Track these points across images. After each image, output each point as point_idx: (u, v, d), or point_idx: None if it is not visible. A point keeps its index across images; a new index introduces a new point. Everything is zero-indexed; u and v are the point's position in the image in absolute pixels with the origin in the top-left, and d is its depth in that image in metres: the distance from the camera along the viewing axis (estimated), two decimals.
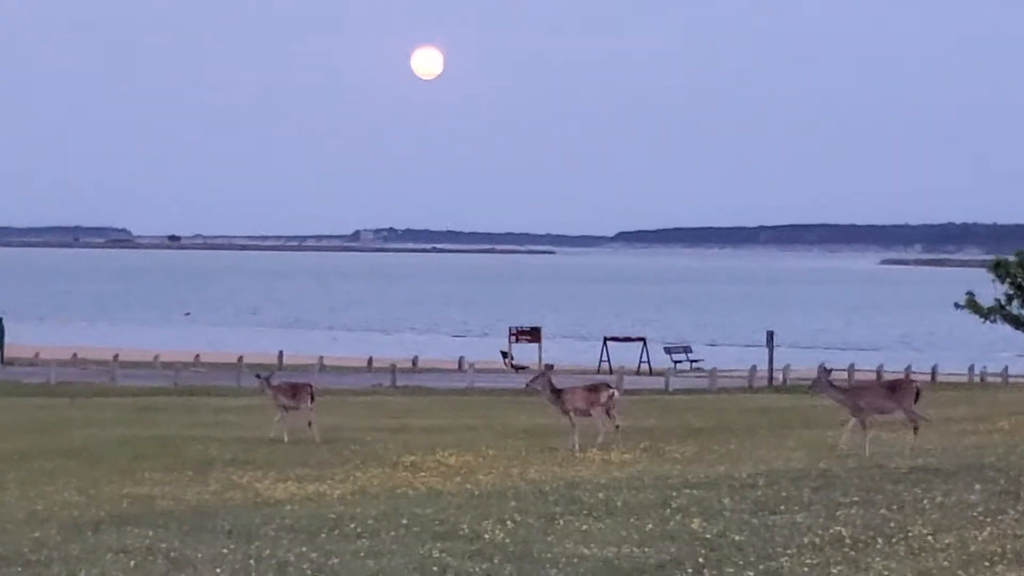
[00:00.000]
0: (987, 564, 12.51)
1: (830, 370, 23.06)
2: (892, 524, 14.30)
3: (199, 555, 13.56)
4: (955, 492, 16.05)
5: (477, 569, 12.83)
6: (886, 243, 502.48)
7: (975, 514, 14.75)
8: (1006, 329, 62.05)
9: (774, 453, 22.06)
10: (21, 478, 20.39)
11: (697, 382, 56.19)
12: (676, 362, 67.50)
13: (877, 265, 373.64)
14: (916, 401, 22.06)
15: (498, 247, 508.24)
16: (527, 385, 26.16)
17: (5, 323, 65.97)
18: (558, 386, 25.04)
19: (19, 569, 13.26)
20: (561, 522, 15.00)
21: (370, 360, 65.53)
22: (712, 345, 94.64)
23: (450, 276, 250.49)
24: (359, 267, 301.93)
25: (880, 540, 13.59)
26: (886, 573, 12.34)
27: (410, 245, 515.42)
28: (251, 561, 13.27)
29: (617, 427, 24.71)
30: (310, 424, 26.08)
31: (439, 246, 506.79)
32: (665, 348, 72.12)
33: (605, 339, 70.67)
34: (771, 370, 56.65)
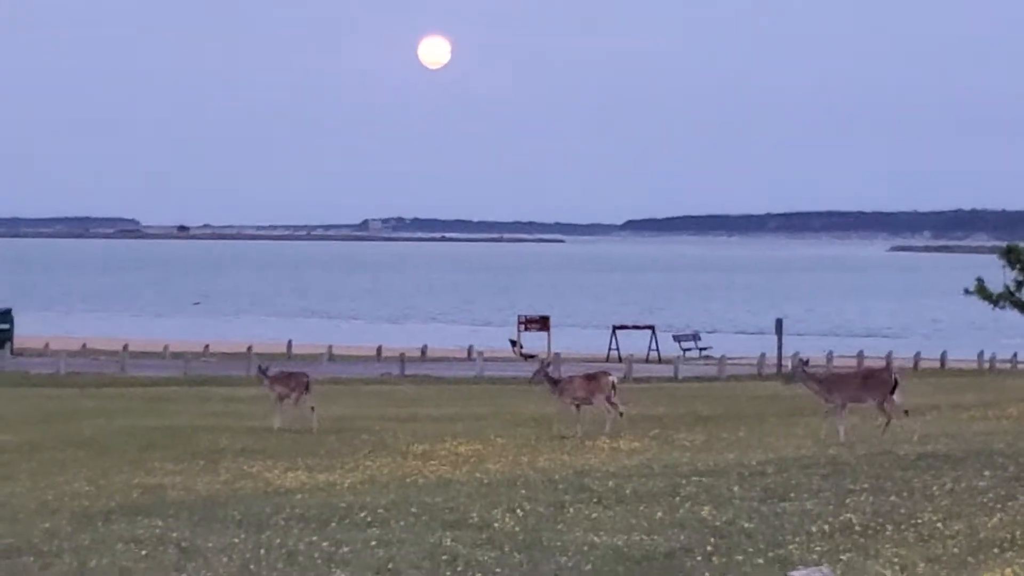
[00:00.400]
0: (996, 551, 12.51)
1: (806, 360, 22.99)
2: (902, 511, 14.30)
3: (210, 544, 13.59)
4: (964, 479, 16.04)
5: (487, 557, 12.84)
6: (895, 230, 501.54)
7: (984, 500, 14.74)
8: (1015, 315, 61.93)
9: (783, 441, 22.06)
10: (31, 468, 20.44)
11: (706, 370, 56.20)
12: (685, 350, 67.48)
13: (886, 252, 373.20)
14: (894, 391, 21.94)
15: (506, 236, 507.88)
16: (530, 380, 26.22)
17: (15, 314, 66.08)
18: (557, 376, 25.15)
19: (30, 559, 13.30)
20: (571, 510, 15.01)
21: (379, 349, 65.58)
22: (721, 332, 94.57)
23: (459, 265, 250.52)
24: (368, 256, 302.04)
25: (889, 527, 13.59)
26: (896, 560, 12.34)
27: (419, 234, 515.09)
28: (261, 550, 13.30)
29: (620, 414, 24.74)
30: (312, 409, 26.21)
31: (448, 235, 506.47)
32: (674, 336, 72.09)
33: (614, 327, 70.64)
34: (780, 357, 56.60)
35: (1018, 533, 13.12)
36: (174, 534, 14.14)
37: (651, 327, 71.23)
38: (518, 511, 14.94)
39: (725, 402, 34.10)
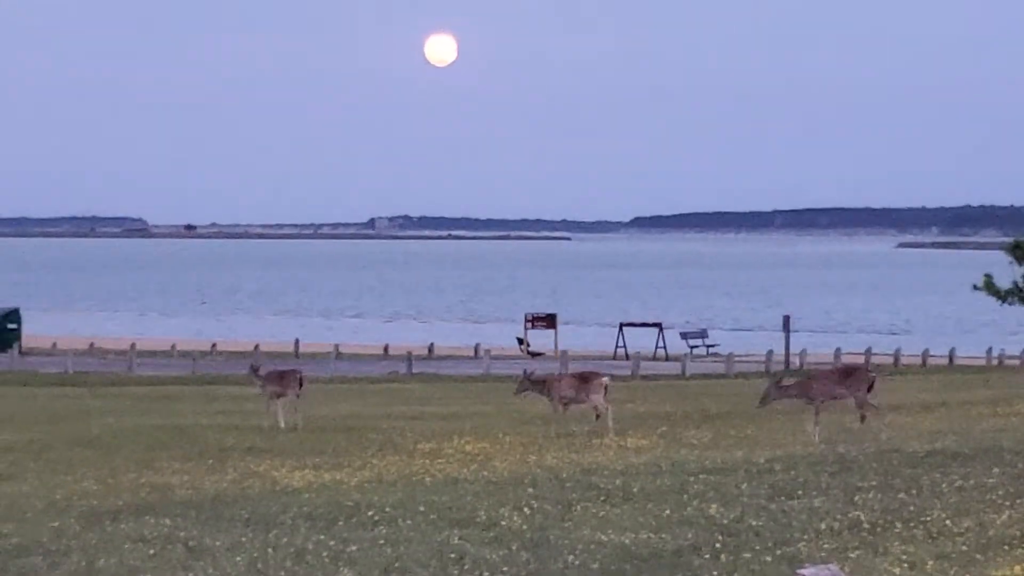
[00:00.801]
0: (1006, 548, 12.47)
1: (780, 378, 22.88)
2: (910, 508, 14.27)
3: (217, 543, 13.59)
4: (973, 476, 16.00)
5: (494, 556, 12.83)
6: (902, 226, 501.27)
7: (994, 498, 14.70)
8: None
9: (791, 438, 22.02)
10: (39, 468, 20.45)
11: (714, 367, 56.17)
12: (692, 347, 67.47)
13: (894, 248, 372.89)
14: (871, 390, 21.97)
15: (513, 233, 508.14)
16: (515, 393, 25.97)
17: (23, 313, 66.19)
18: (541, 376, 25.18)
19: (38, 558, 13.30)
20: (578, 508, 14.99)
21: (386, 348, 65.61)
22: (728, 330, 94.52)
23: (465, 263, 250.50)
24: (375, 255, 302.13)
25: (898, 524, 13.56)
26: (904, 557, 12.31)
27: (425, 232, 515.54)
28: (269, 549, 13.29)
29: (599, 414, 24.78)
30: (296, 409, 26.28)
31: (454, 233, 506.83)
32: (681, 333, 72.08)
33: (621, 325, 70.64)
34: (788, 355, 56.59)
35: None
36: (182, 533, 14.14)
37: (658, 324, 71.22)
38: (525, 509, 14.93)
39: (733, 399, 34.06)
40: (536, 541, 13.40)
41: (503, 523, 14.24)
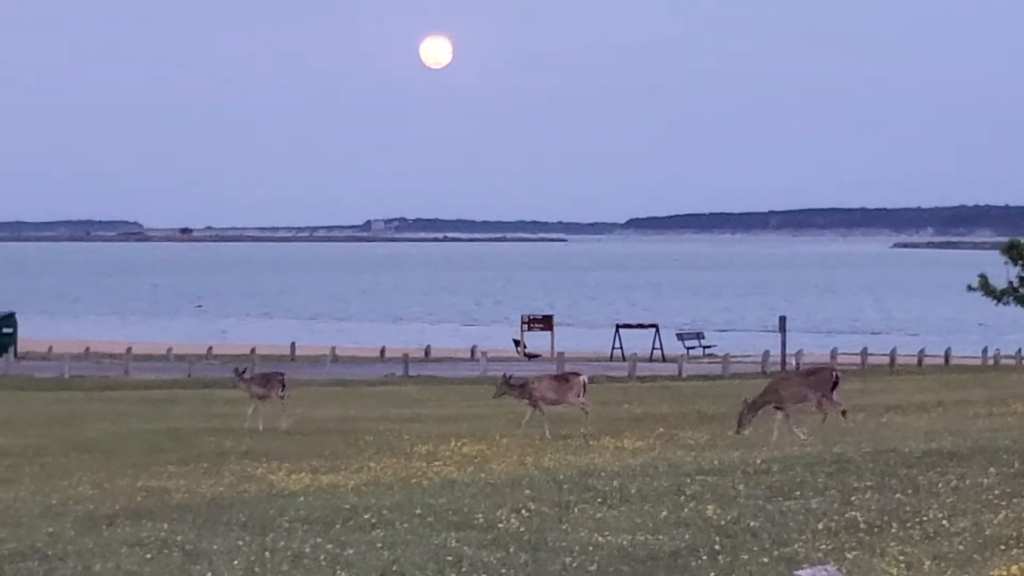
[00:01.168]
0: (1003, 548, 12.47)
1: (752, 403, 22.92)
2: (907, 508, 14.26)
3: (214, 547, 13.58)
4: (970, 476, 16.00)
5: (492, 558, 12.82)
6: (897, 226, 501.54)
7: (990, 498, 14.70)
8: (1019, 311, 61.88)
9: (788, 439, 22.02)
10: (35, 472, 20.43)
11: (710, 368, 56.15)
12: (689, 348, 67.45)
13: (889, 248, 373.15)
14: (835, 389, 22.17)
15: (509, 235, 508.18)
16: (495, 397, 26.09)
17: (18, 318, 66.10)
18: (520, 380, 25.27)
19: (35, 563, 13.28)
20: (575, 510, 14.98)
21: (383, 350, 65.58)
22: (724, 331, 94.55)
23: (462, 265, 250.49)
24: (370, 257, 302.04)
25: (895, 525, 13.56)
26: (901, 558, 12.31)
27: (421, 234, 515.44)
28: (266, 553, 13.28)
29: (586, 413, 24.84)
30: (283, 409, 26.52)
31: (450, 235, 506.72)
32: (678, 335, 72.07)
33: (617, 326, 70.64)
34: (784, 355, 56.58)
35: None
36: (178, 537, 14.13)
37: (655, 326, 71.21)
38: (523, 511, 14.92)
39: (729, 400, 34.02)
40: (534, 543, 13.39)
41: (500, 525, 14.23)
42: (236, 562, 12.97)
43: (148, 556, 13.34)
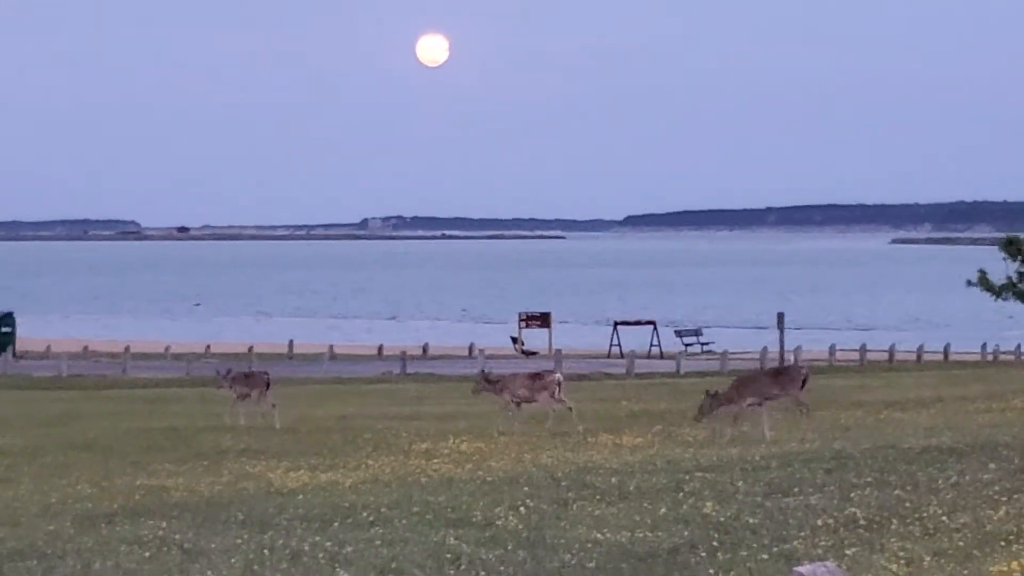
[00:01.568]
0: (1003, 544, 12.46)
1: (714, 392, 22.99)
2: (906, 504, 14.25)
3: (213, 546, 13.56)
4: (969, 471, 15.98)
5: (490, 556, 12.80)
6: (896, 222, 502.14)
7: (990, 493, 14.68)
8: (1018, 306, 61.93)
9: (787, 435, 22.01)
10: (34, 471, 20.41)
11: (708, 365, 56.17)
12: (687, 345, 67.49)
13: (888, 244, 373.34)
14: (803, 387, 22.28)
15: (507, 233, 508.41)
16: (473, 391, 26.32)
17: (16, 317, 66.08)
18: (496, 376, 25.41)
19: (33, 562, 13.26)
20: (574, 507, 14.97)
21: (380, 348, 65.57)
22: (723, 327, 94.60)
23: (459, 263, 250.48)
24: (368, 255, 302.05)
25: (895, 521, 13.54)
26: (901, 554, 12.29)
27: (419, 232, 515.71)
28: (265, 551, 13.26)
29: (570, 408, 24.85)
30: (274, 406, 26.72)
31: (448, 233, 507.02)
32: (676, 331, 72.11)
33: (615, 323, 70.68)
34: (782, 352, 56.58)
35: None
36: (177, 536, 14.11)
37: (652, 322, 71.22)
38: (521, 509, 14.90)
39: None
40: (532, 540, 13.37)
41: (499, 523, 14.21)
42: (235, 560, 12.95)
43: (147, 554, 13.32)
